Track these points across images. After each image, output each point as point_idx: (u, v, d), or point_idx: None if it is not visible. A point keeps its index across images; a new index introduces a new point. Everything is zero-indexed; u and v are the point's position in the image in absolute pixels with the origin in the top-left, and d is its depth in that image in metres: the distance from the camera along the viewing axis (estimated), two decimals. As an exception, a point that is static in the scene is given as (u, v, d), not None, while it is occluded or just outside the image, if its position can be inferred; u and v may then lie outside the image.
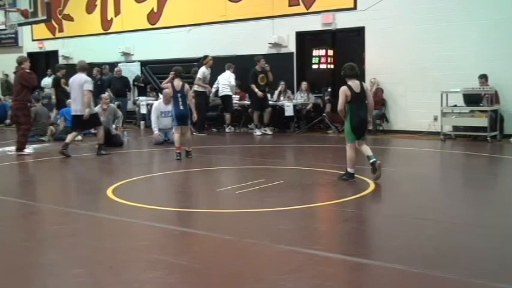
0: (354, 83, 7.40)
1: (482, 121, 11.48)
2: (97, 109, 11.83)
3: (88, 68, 11.12)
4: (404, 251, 4.56)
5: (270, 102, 14.08)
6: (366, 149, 7.48)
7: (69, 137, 10.56)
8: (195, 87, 13.74)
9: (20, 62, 11.12)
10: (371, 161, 7.32)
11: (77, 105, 10.42)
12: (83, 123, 10.62)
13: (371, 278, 4.05)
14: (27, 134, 11.14)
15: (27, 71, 10.98)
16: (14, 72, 13.16)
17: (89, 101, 10.34)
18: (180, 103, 9.79)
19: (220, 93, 14.43)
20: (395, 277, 4.01)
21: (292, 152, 11.45)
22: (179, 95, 9.80)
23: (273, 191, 7.08)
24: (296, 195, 7.16)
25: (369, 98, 7.63)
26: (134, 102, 16.78)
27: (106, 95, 13.02)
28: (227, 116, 14.54)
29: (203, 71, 14.06)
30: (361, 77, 13.53)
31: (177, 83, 9.86)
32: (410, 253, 4.50)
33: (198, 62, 14.72)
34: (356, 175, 7.51)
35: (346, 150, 7.50)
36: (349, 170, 7.47)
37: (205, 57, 14.36)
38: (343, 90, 7.37)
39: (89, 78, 10.67)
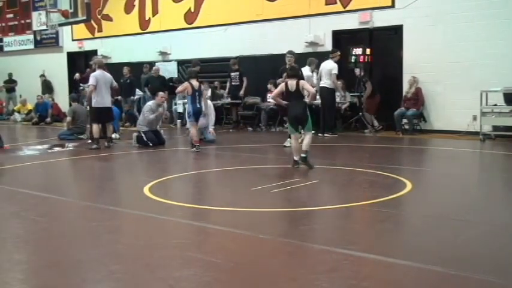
0: (291, 83, 8.35)
1: (524, 121, 11.24)
2: (151, 104, 12.01)
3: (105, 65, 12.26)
4: (442, 253, 4.47)
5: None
6: (305, 145, 8.25)
7: (94, 130, 11.48)
8: (322, 83, 12.97)
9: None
10: (301, 158, 8.22)
11: (103, 99, 11.46)
12: (106, 115, 11.64)
13: (407, 279, 3.99)
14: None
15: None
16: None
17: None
18: (197, 101, 10.72)
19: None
20: (432, 279, 3.94)
21: (327, 151, 11.37)
22: (197, 93, 10.72)
23: (308, 191, 7.06)
24: (331, 195, 7.13)
25: (309, 91, 8.45)
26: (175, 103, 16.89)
27: (162, 93, 12.90)
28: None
29: (335, 66, 13.07)
30: (398, 75, 13.63)
31: (195, 83, 10.76)
32: (448, 255, 4.42)
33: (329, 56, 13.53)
34: (391, 175, 7.50)
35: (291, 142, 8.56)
36: (294, 158, 8.36)
37: (334, 51, 13.49)
38: (280, 85, 8.69)
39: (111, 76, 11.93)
